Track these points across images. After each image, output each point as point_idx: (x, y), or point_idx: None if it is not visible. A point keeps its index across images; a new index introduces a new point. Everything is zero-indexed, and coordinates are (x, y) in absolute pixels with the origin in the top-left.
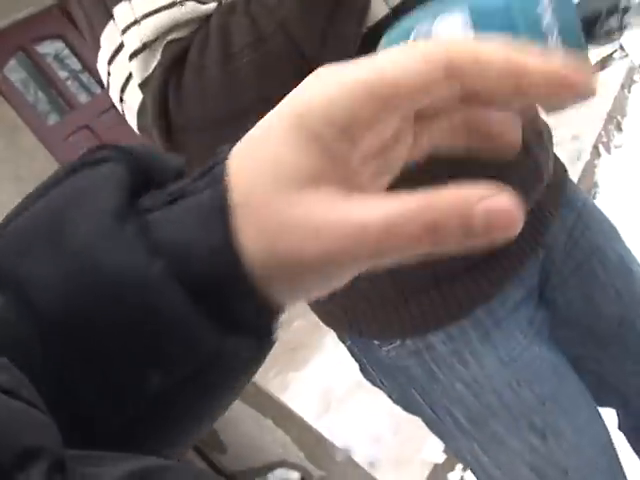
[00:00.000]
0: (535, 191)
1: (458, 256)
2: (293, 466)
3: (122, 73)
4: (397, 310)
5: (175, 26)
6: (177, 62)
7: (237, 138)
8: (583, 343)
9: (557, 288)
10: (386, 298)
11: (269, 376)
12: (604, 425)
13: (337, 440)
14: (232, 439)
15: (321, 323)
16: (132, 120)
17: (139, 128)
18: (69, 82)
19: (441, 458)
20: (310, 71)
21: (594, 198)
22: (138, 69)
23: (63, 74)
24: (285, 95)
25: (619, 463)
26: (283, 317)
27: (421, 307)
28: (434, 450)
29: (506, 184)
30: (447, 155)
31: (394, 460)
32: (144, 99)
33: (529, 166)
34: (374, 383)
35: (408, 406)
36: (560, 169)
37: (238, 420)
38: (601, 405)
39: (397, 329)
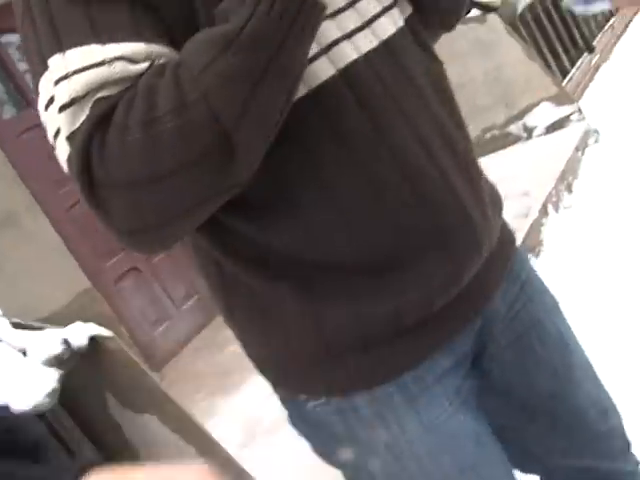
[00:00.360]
0: (473, 263)
1: (389, 320)
2: None
3: (53, 124)
4: (325, 369)
5: (105, 83)
6: (104, 119)
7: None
8: (512, 414)
9: (493, 358)
10: (315, 357)
11: (196, 398)
12: None
13: (257, 473)
14: (152, 462)
15: None
16: (64, 168)
17: (70, 177)
18: (28, 75)
19: None
20: (229, 140)
21: (537, 256)
22: (66, 123)
23: (23, 66)
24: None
25: None
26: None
27: (348, 369)
28: None
29: (443, 254)
30: (391, 224)
31: None
32: (70, 153)
33: (468, 238)
34: (299, 432)
35: (329, 461)
36: (508, 241)
37: (160, 443)
38: (525, 472)
39: (323, 388)
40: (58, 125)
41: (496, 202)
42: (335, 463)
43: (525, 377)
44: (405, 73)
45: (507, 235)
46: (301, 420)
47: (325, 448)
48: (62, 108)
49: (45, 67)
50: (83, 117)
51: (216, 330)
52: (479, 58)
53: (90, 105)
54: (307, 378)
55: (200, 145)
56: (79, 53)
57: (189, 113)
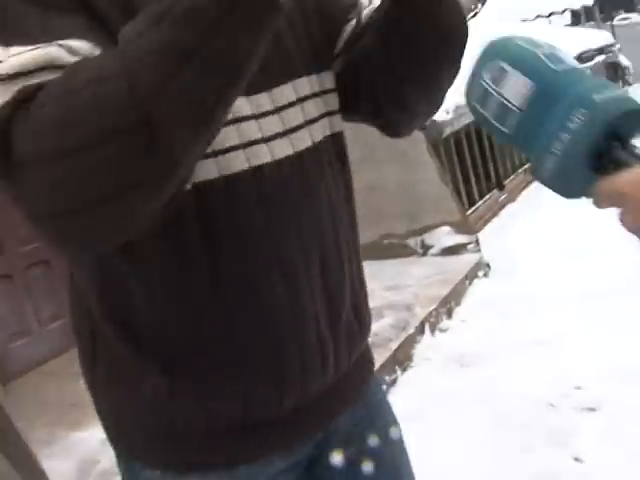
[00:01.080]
0: (316, 382)
1: (235, 417)
2: None
3: None
4: (166, 447)
5: (38, 69)
6: (28, 100)
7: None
8: None
9: (326, 470)
10: (159, 433)
11: (36, 424)
12: None
13: None
14: None
15: None
16: None
17: None
18: None
19: None
20: (147, 117)
21: (405, 370)
22: None
23: None
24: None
25: None
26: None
27: (187, 450)
28: None
29: (284, 370)
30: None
31: None
32: None
33: (314, 360)
34: None
35: None
36: (366, 365)
37: None
38: None
39: (160, 462)
40: None
41: (362, 326)
42: None
43: None
44: (309, 185)
45: (367, 359)
46: None
47: None
48: None
49: None
50: (8, 97)
51: (74, 359)
52: (396, 167)
53: (17, 89)
54: (148, 449)
55: (114, 116)
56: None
57: (106, 84)
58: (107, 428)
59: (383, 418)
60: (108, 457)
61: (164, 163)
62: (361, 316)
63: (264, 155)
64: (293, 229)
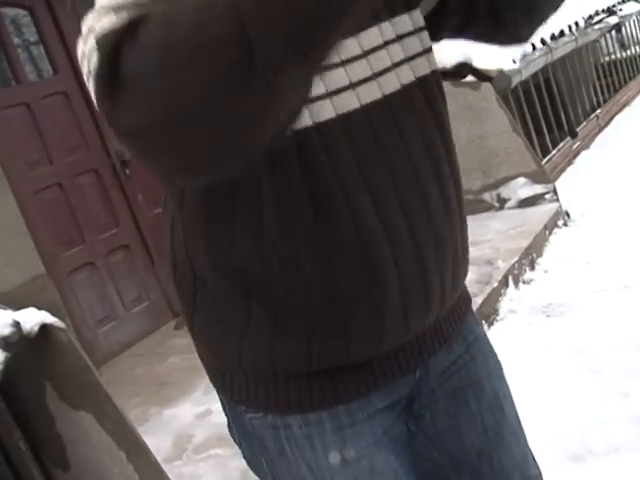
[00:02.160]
0: (419, 322)
1: (337, 357)
2: None
3: (86, 25)
4: (267, 387)
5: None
6: (140, 20)
7: None
8: (439, 463)
9: (426, 407)
10: (261, 374)
11: (129, 404)
12: None
13: None
14: (78, 460)
15: (196, 366)
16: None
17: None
18: (19, 51)
19: None
20: (250, 45)
21: (492, 325)
22: (97, 20)
23: (17, 41)
24: None
25: None
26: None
27: (288, 392)
28: None
29: (385, 308)
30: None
31: None
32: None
33: (417, 297)
34: (234, 440)
35: (256, 471)
36: (463, 304)
37: (91, 443)
38: None
39: (262, 403)
40: (90, 24)
41: (466, 263)
42: (260, 475)
43: (455, 430)
44: (399, 130)
45: (464, 298)
46: (238, 429)
47: (254, 458)
48: (100, 10)
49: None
50: (119, 23)
51: (160, 340)
52: (466, 123)
53: (127, 15)
54: (249, 392)
55: (220, 47)
56: None
57: (215, 16)
58: (211, 373)
59: (482, 351)
60: (202, 431)
61: (263, 100)
62: (465, 252)
63: (351, 102)
64: (385, 176)
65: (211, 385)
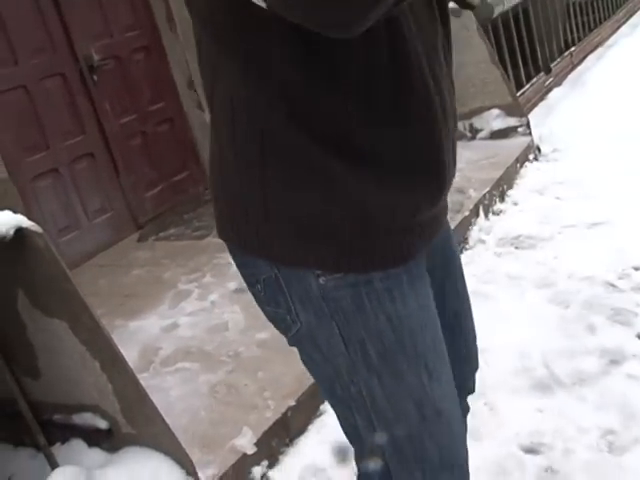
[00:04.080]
0: (442, 199)
1: (411, 213)
2: (104, 414)
3: None
4: (354, 247)
5: None
6: None
7: None
8: None
9: (430, 271)
10: (349, 235)
11: None
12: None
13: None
14: (50, 369)
15: (162, 279)
16: None
17: None
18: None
19: (251, 450)
20: None
21: (461, 253)
22: None
23: None
24: None
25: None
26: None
27: (375, 249)
28: (246, 440)
29: (443, 174)
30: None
31: (203, 438)
32: None
33: (453, 168)
34: (280, 318)
35: (312, 343)
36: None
37: (64, 352)
38: None
39: (346, 263)
40: None
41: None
42: (318, 342)
43: (442, 294)
44: (434, 22)
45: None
46: (296, 299)
47: (320, 325)
48: None
49: None
50: None
51: (123, 251)
52: None
53: None
54: (335, 254)
55: None
56: None
57: None
58: (270, 246)
59: (449, 229)
60: (169, 344)
61: None
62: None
63: None
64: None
65: (176, 299)
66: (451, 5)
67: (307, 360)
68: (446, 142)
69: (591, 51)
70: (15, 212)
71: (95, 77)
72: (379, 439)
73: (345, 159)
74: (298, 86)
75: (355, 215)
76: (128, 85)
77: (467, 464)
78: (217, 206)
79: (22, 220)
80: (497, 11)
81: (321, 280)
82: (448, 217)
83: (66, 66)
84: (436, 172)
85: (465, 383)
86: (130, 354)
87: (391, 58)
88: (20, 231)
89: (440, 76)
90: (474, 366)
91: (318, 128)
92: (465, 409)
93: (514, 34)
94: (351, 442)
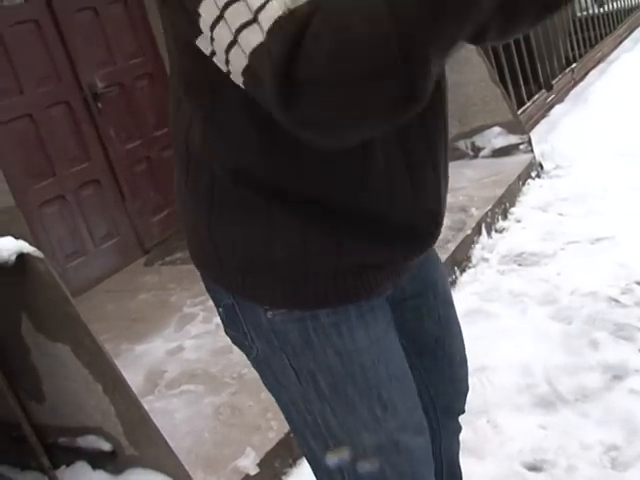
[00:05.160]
0: (425, 244)
1: (362, 254)
2: (108, 437)
3: (224, 39)
4: (297, 286)
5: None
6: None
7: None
8: (406, 349)
9: (398, 304)
10: (291, 273)
11: (100, 339)
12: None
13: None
14: (54, 392)
15: (168, 303)
16: (237, 78)
17: (244, 85)
18: None
19: (254, 470)
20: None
21: (464, 271)
22: (265, 19)
23: None
24: None
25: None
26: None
27: (317, 289)
28: (249, 461)
29: (422, 234)
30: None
31: (207, 459)
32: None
33: (435, 232)
34: (240, 342)
35: (269, 368)
36: None
37: (67, 375)
38: None
39: (290, 300)
40: (230, 38)
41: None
42: (273, 372)
43: (419, 321)
44: None
45: None
46: (251, 329)
47: (269, 356)
48: (258, 10)
49: None
50: (292, 28)
51: (130, 276)
52: (445, 69)
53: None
54: (274, 291)
55: (382, 57)
56: None
57: (376, 24)
58: (223, 275)
59: (434, 259)
60: (175, 367)
61: (415, 101)
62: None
63: None
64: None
65: (182, 322)
66: None
67: (266, 384)
68: (417, 204)
69: (593, 67)
70: (17, 238)
71: (99, 104)
72: (338, 466)
73: (290, 209)
74: (252, 143)
75: (296, 257)
76: (132, 111)
77: None
78: (183, 230)
79: (24, 246)
80: None
81: (269, 314)
82: (450, 236)
83: (71, 94)
84: (391, 237)
85: (452, 405)
86: (136, 377)
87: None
88: (22, 257)
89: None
90: (463, 389)
91: (263, 185)
92: (456, 429)
93: (514, 52)
94: (312, 468)
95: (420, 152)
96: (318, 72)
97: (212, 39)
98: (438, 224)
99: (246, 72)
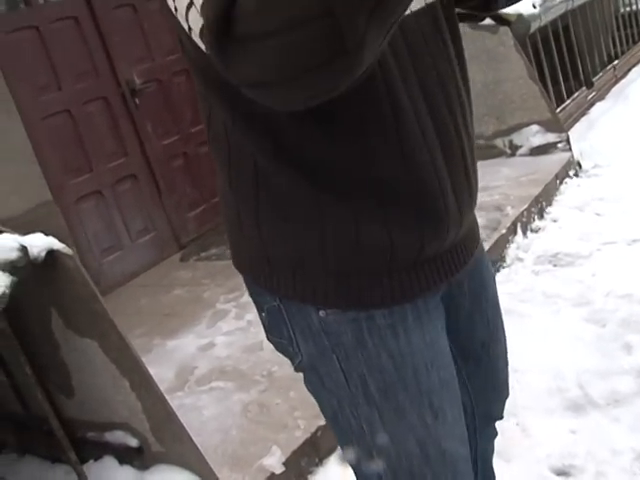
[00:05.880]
0: (468, 217)
1: (414, 251)
2: (135, 433)
3: (183, 2)
4: (350, 283)
5: None
6: None
7: None
8: (453, 355)
9: (453, 304)
10: (343, 271)
11: (133, 334)
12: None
13: (183, 421)
14: (82, 387)
15: (201, 299)
16: (203, 46)
17: (207, 50)
18: None
19: (279, 469)
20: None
21: (498, 271)
22: None
23: None
24: None
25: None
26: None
27: (372, 286)
28: (275, 460)
29: (448, 206)
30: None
31: (233, 457)
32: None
33: (464, 195)
34: (284, 348)
35: (315, 373)
36: (478, 230)
37: (95, 371)
38: None
39: (343, 298)
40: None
41: (477, 182)
42: (319, 375)
43: (471, 325)
44: (441, 37)
45: (477, 227)
46: (298, 331)
47: (317, 359)
48: None
49: None
50: None
51: (165, 271)
52: (482, 67)
53: None
54: (327, 290)
55: (303, 6)
56: None
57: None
58: (271, 275)
59: (485, 263)
60: (205, 363)
61: (345, 55)
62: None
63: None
64: (435, 79)
65: (214, 319)
66: (487, 21)
67: (310, 388)
68: (451, 178)
69: (635, 64)
70: (47, 234)
71: (137, 100)
72: (379, 473)
73: (336, 194)
74: (284, 123)
75: (348, 253)
76: (169, 107)
77: None
78: (227, 235)
79: (53, 242)
80: (534, 26)
81: (321, 313)
82: (485, 235)
83: (108, 90)
84: (438, 210)
85: (491, 411)
86: (166, 373)
87: (382, 102)
88: (51, 253)
89: (451, 105)
90: (503, 394)
91: (306, 164)
92: (493, 434)
93: (554, 49)
94: (354, 471)
95: (449, 130)
96: (248, 26)
97: (181, 14)
98: (472, 206)
99: (202, 33)
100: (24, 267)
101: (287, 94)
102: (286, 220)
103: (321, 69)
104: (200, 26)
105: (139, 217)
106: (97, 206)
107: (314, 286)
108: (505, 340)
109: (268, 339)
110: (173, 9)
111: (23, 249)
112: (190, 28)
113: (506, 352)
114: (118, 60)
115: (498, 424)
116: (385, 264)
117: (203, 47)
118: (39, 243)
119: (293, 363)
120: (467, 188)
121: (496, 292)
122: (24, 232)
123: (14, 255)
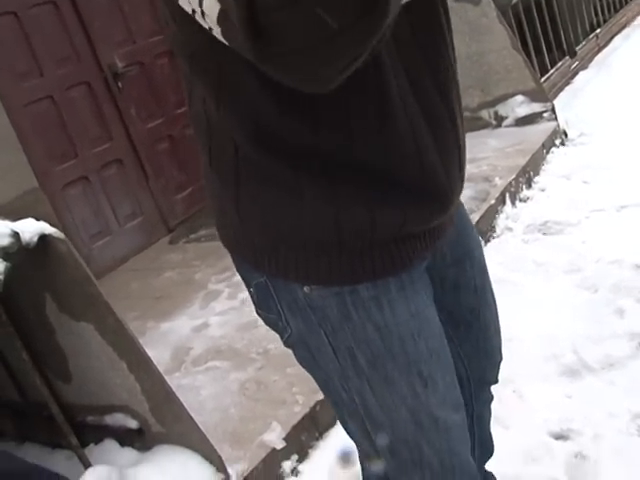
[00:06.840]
0: (456, 197)
1: (397, 227)
2: (135, 414)
3: None
4: (331, 259)
5: None
6: None
7: None
8: (442, 321)
9: (437, 274)
10: (325, 246)
11: (127, 318)
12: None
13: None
14: (80, 371)
15: (192, 280)
16: (217, 32)
17: (223, 35)
18: None
19: (280, 445)
20: None
21: (488, 241)
22: None
23: None
24: None
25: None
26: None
27: (354, 263)
28: (275, 435)
29: (447, 188)
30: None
31: (233, 435)
32: None
33: (458, 183)
34: (273, 323)
35: (305, 347)
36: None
37: (92, 354)
38: None
39: (325, 274)
40: None
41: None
42: (309, 350)
43: (456, 292)
44: (430, 9)
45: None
46: (285, 307)
47: (309, 333)
48: None
49: None
50: None
51: (155, 255)
52: (465, 39)
53: None
54: (308, 265)
55: None
56: None
57: None
58: (252, 253)
59: (470, 227)
60: (200, 344)
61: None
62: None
63: None
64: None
65: (207, 299)
66: None
67: (302, 362)
68: (441, 157)
69: (617, 32)
70: (38, 219)
71: (120, 84)
72: (374, 443)
73: (317, 176)
74: (266, 102)
75: (329, 229)
76: (153, 90)
77: (472, 467)
78: (212, 211)
79: (45, 227)
80: None
81: (305, 289)
82: (474, 206)
83: (91, 75)
84: (423, 190)
85: (485, 375)
86: (162, 355)
87: (368, 84)
88: (44, 238)
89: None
90: (496, 358)
91: (286, 146)
92: (488, 399)
93: (536, 19)
94: (354, 443)
95: (436, 104)
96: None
97: None
98: (462, 179)
99: (220, 18)
100: (17, 253)
101: (330, 56)
102: (266, 199)
103: (356, 23)
104: (217, 11)
105: (126, 201)
106: (84, 192)
107: (296, 263)
108: (495, 305)
109: (257, 314)
110: None
111: (15, 235)
112: (194, 11)
113: (497, 316)
114: (99, 44)
115: (495, 392)
116: (366, 241)
117: (209, 28)
118: (31, 228)
119: (282, 337)
120: (458, 167)
121: (483, 258)
122: (9, 218)
123: (6, 241)
